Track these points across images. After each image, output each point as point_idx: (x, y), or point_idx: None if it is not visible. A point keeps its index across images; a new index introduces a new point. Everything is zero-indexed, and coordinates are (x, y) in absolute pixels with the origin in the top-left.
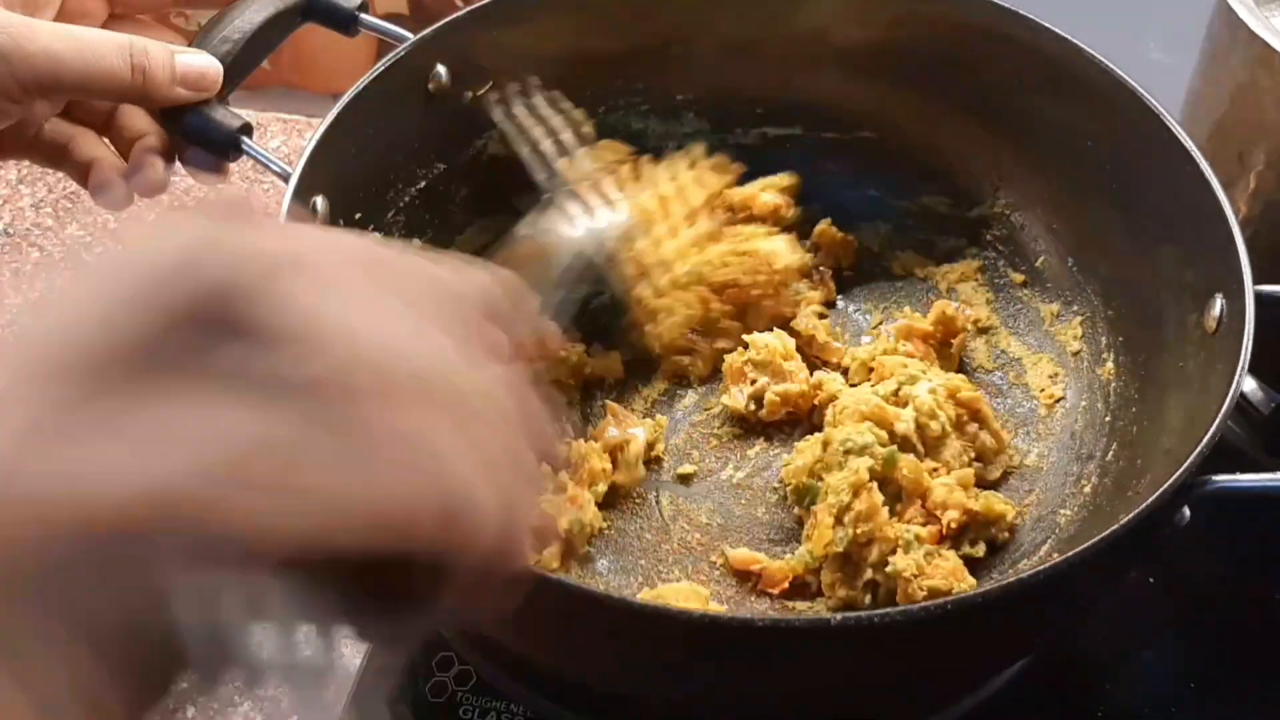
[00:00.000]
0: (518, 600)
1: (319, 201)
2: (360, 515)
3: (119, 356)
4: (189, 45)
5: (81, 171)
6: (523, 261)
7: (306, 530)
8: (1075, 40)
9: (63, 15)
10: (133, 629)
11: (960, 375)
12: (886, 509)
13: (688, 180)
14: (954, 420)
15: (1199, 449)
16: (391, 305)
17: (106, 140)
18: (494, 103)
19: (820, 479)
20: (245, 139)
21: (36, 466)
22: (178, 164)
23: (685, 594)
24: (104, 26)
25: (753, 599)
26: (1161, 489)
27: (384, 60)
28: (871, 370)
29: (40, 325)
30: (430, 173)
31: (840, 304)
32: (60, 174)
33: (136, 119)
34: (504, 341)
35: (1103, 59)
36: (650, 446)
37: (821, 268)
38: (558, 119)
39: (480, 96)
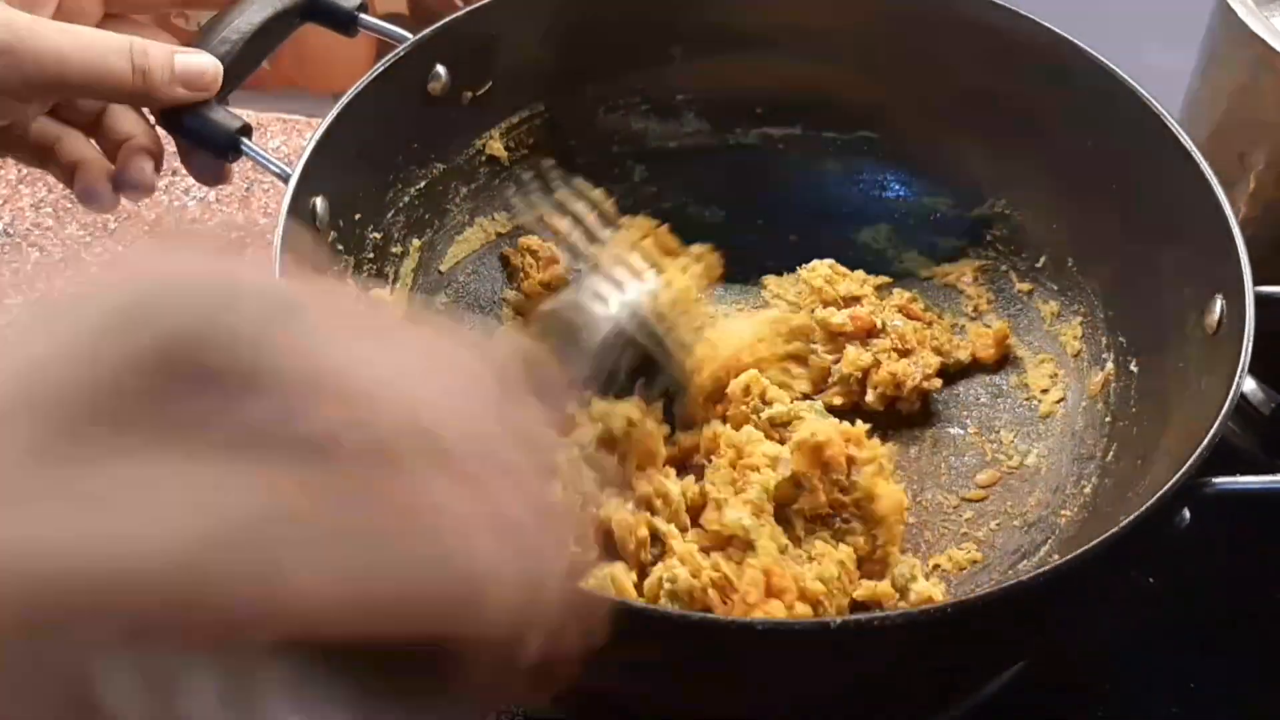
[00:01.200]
0: (552, 687)
1: (318, 202)
2: (369, 597)
3: (82, 406)
4: (189, 45)
5: (67, 172)
6: (552, 337)
7: (301, 613)
8: (1075, 40)
9: (59, 14)
10: None
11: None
12: None
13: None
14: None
15: (1199, 450)
16: (401, 359)
17: (92, 141)
18: (514, 194)
19: None
20: (245, 140)
21: None
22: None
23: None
24: (99, 26)
25: None
26: (1162, 490)
27: (384, 60)
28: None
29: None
30: (430, 173)
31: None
32: None
33: (124, 120)
34: (526, 413)
35: (1103, 59)
36: None
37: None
38: (580, 204)
39: (480, 96)
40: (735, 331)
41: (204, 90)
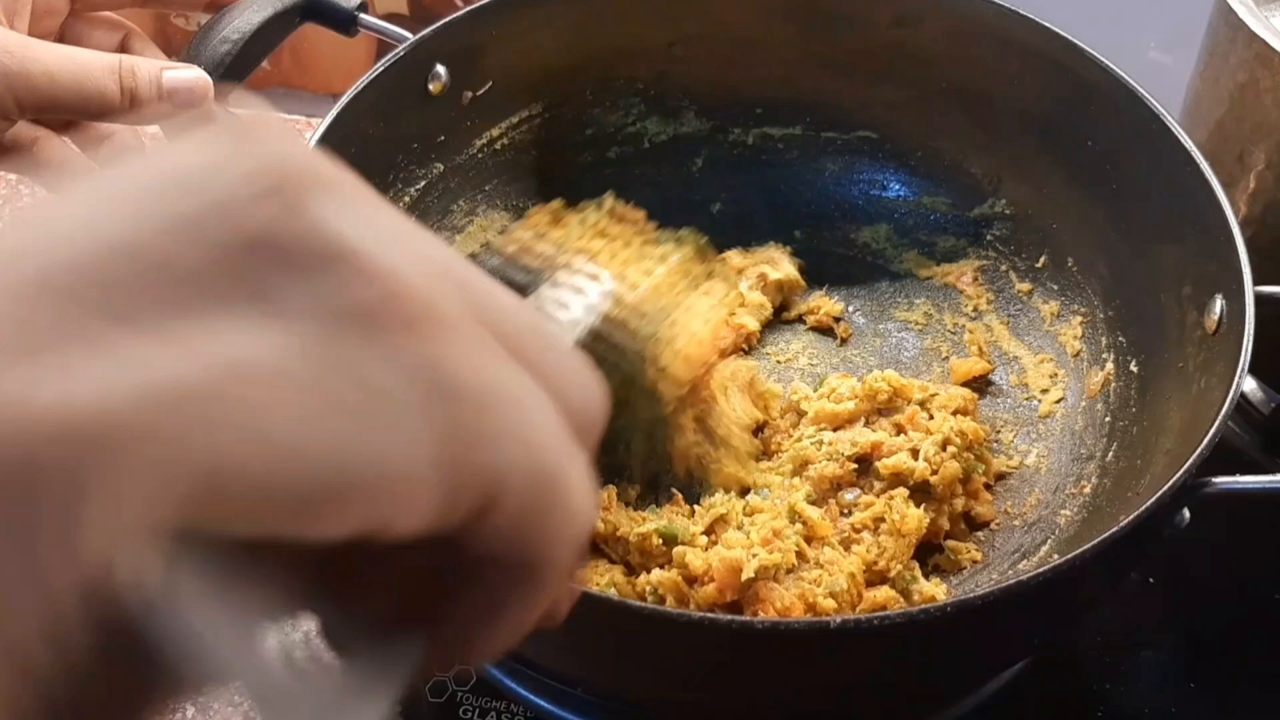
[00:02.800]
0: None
1: None
2: (428, 477)
3: (135, 276)
4: (189, 45)
5: (45, 173)
6: None
7: (334, 488)
8: (1075, 40)
9: (32, 17)
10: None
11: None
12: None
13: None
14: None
15: (1199, 450)
16: (449, 251)
17: (67, 140)
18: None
19: None
20: None
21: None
22: None
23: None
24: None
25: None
26: (1161, 490)
27: (384, 60)
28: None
29: (54, 228)
30: (430, 173)
31: (840, 304)
32: None
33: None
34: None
35: (1103, 59)
36: None
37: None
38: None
39: (480, 96)
40: (695, 321)
41: (192, 107)
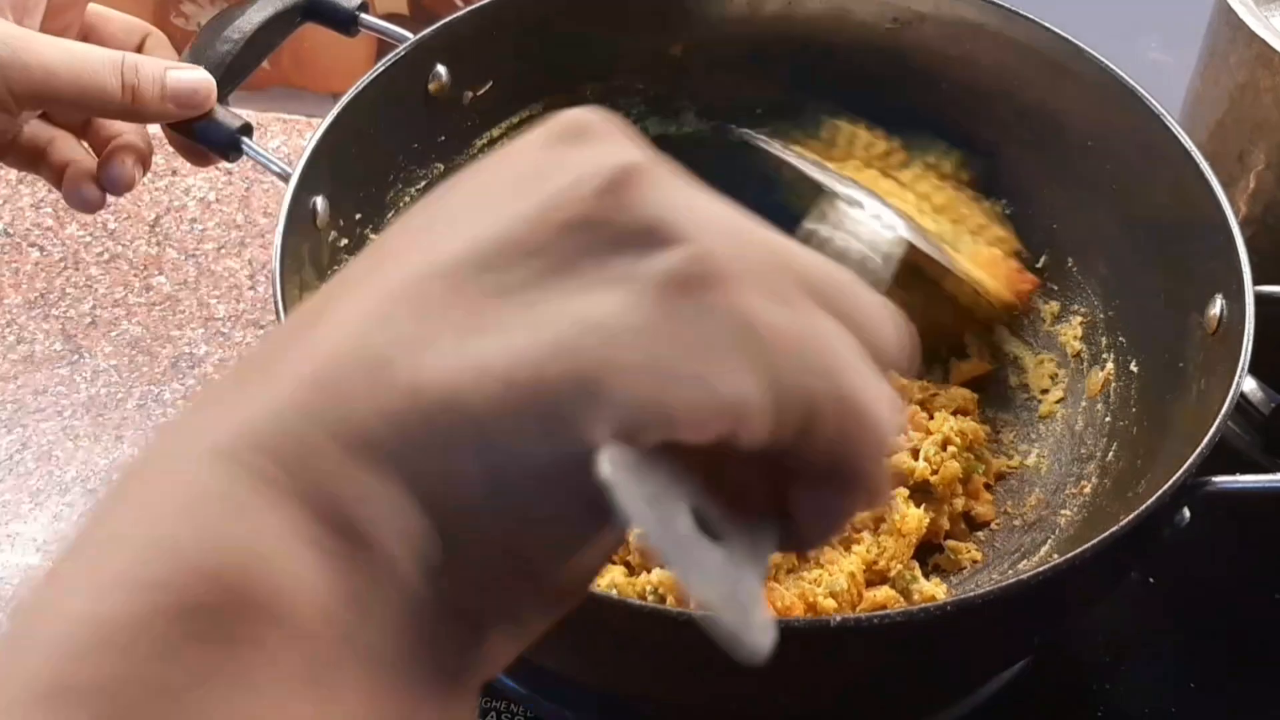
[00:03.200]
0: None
1: (318, 202)
2: (753, 400)
3: (514, 261)
4: (189, 45)
5: (58, 174)
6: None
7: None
8: (1075, 40)
9: (50, 13)
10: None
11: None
12: None
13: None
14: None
15: (1199, 450)
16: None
17: (84, 143)
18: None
19: None
20: (245, 139)
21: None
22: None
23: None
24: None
25: None
26: (1161, 490)
27: (384, 60)
28: None
29: (437, 225)
30: (430, 173)
31: None
32: None
33: (114, 120)
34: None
35: (1103, 59)
36: None
37: None
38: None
39: (480, 96)
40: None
41: (195, 108)
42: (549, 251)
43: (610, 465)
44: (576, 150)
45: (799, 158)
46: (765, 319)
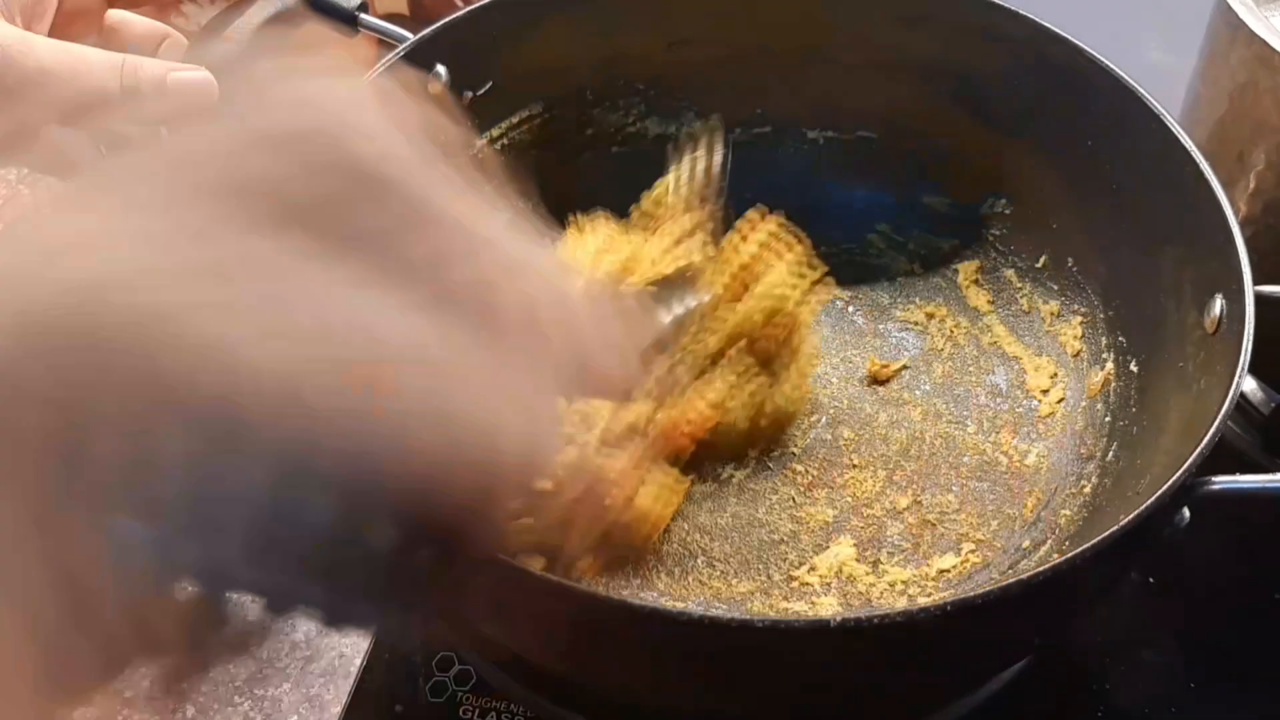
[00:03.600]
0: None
1: None
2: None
3: (263, 200)
4: (190, 45)
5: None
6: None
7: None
8: (1075, 40)
9: (63, 19)
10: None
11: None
12: None
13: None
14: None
15: (1199, 449)
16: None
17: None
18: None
19: None
20: None
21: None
22: None
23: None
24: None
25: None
26: (1161, 490)
27: (384, 60)
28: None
29: (187, 150)
30: None
31: (840, 305)
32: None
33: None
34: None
35: (1103, 59)
36: None
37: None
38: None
39: (480, 96)
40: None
41: (197, 108)
42: (305, 205)
43: None
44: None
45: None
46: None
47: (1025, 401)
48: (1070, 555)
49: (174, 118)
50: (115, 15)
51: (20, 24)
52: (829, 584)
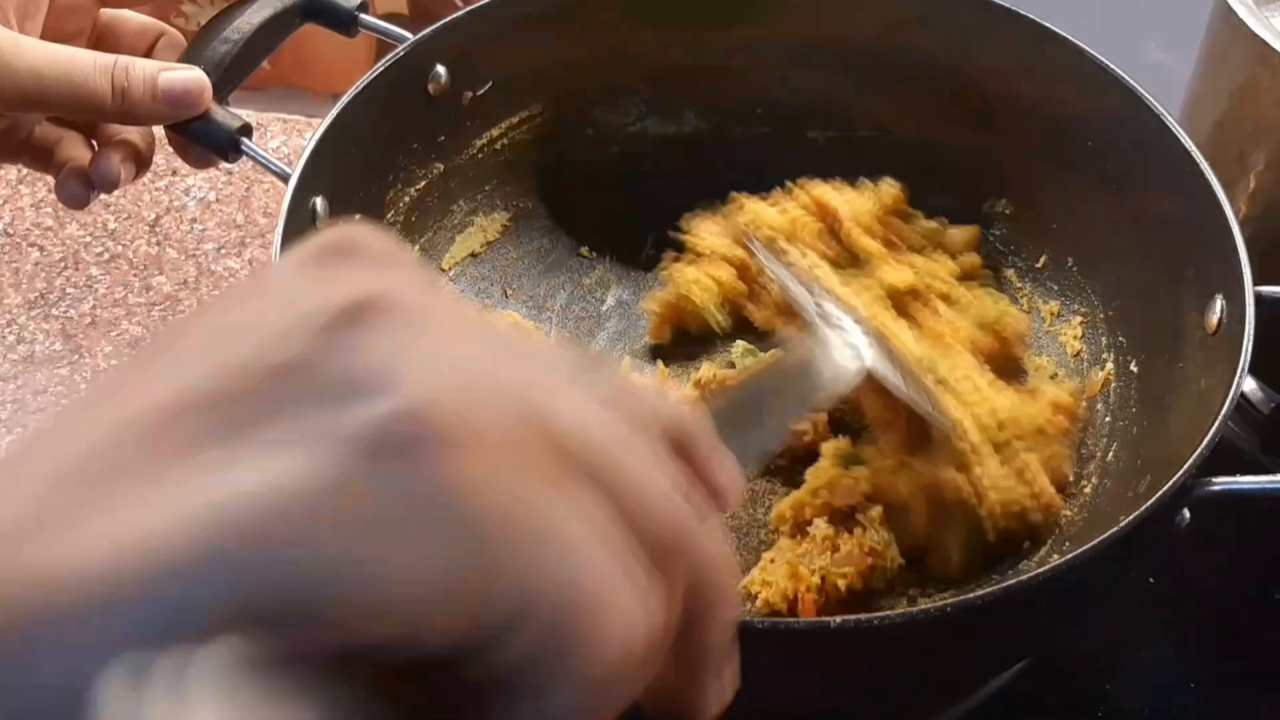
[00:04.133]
0: None
1: (318, 202)
2: (437, 600)
3: (210, 414)
4: (188, 45)
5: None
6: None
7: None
8: (1075, 40)
9: (55, 17)
10: None
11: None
12: None
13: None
14: None
15: (1199, 450)
16: (508, 349)
17: (94, 143)
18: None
19: None
20: (245, 140)
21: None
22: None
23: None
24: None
25: None
26: (1161, 490)
27: (384, 60)
28: None
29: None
30: (430, 173)
31: None
32: None
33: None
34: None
35: (1103, 59)
36: None
37: None
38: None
39: (480, 96)
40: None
41: (189, 109)
42: (248, 402)
43: (125, 677)
44: (328, 277)
45: (791, 276)
46: (477, 501)
47: None
48: (1070, 555)
49: (166, 119)
50: (110, 13)
51: (13, 22)
52: None
